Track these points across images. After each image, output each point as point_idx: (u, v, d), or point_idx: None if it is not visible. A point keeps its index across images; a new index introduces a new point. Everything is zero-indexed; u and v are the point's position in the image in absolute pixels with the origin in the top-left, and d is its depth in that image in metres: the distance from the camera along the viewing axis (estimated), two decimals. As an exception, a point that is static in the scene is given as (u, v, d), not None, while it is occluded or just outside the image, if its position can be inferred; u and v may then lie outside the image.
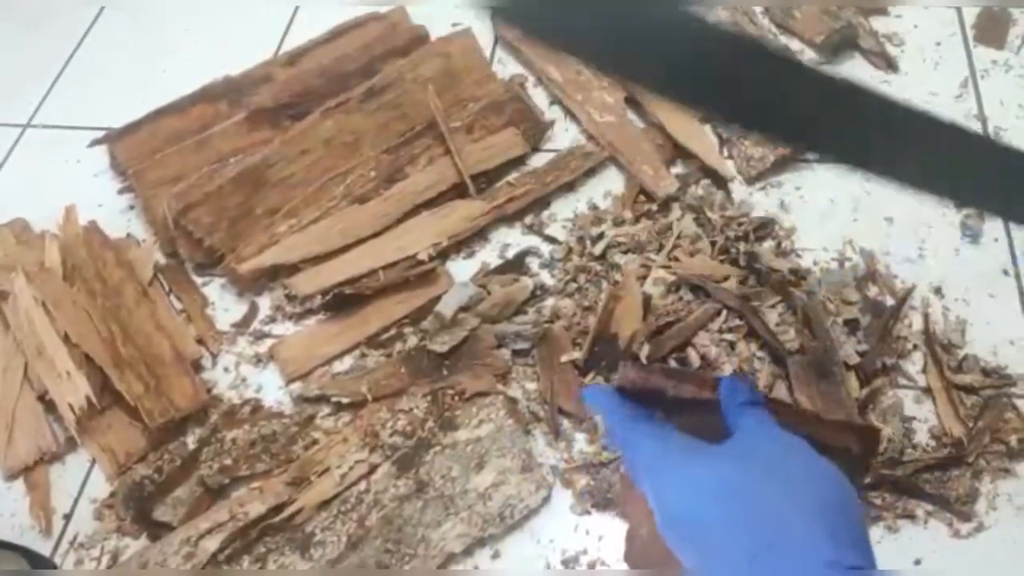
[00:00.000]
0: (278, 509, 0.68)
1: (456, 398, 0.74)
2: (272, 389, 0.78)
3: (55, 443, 0.74)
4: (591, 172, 0.89)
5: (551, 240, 0.85)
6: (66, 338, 0.77)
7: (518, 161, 0.91)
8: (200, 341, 0.80)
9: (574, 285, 0.80)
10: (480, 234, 0.86)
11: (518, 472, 0.69)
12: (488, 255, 0.85)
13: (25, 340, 0.78)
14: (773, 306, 0.75)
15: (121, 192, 0.92)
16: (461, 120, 0.90)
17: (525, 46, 0.98)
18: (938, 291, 0.78)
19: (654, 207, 0.84)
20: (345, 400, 0.74)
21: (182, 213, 0.83)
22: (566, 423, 0.73)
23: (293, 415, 0.75)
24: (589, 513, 0.68)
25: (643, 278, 0.77)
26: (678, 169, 0.88)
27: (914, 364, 0.74)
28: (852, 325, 0.74)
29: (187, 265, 0.86)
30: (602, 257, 0.81)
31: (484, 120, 0.91)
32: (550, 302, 0.80)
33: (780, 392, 0.71)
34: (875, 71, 0.97)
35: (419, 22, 1.02)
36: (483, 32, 1.00)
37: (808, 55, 0.98)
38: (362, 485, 0.70)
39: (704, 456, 0.41)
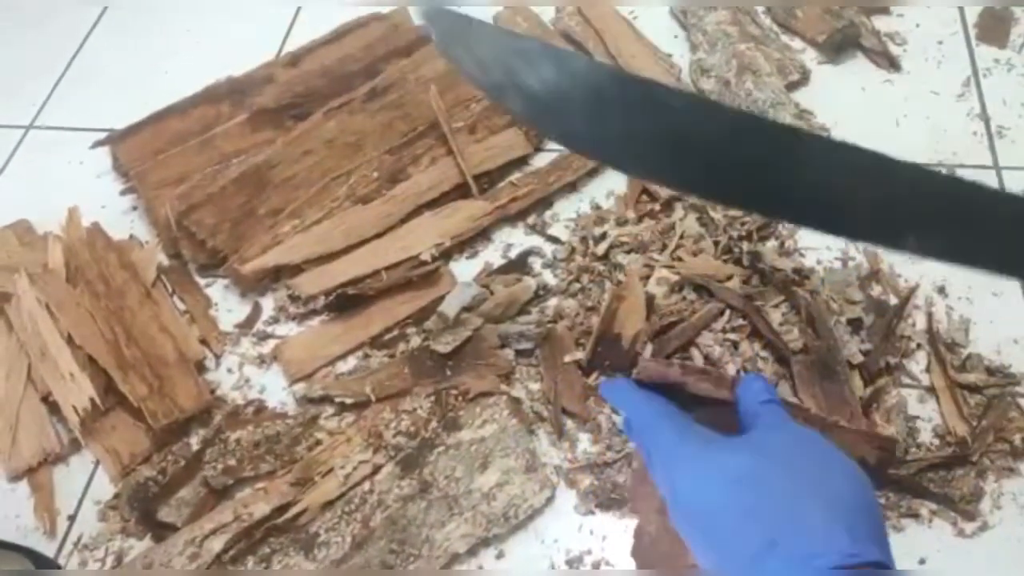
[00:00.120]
0: (282, 510, 0.68)
1: (460, 398, 0.74)
2: (276, 390, 0.78)
3: (59, 444, 0.74)
4: (594, 172, 0.89)
5: (554, 240, 0.85)
6: (69, 340, 0.77)
7: (521, 161, 0.91)
8: (203, 342, 0.80)
9: (577, 285, 0.80)
10: (483, 234, 0.86)
11: (522, 472, 0.69)
12: (491, 255, 0.85)
13: (28, 342, 0.78)
14: (776, 306, 0.75)
15: (124, 193, 0.92)
16: (463, 120, 0.90)
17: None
18: (941, 290, 0.78)
19: (657, 207, 0.84)
20: (349, 400, 0.74)
21: (185, 214, 0.83)
22: (570, 423, 0.73)
23: (297, 416, 0.75)
24: (593, 513, 0.68)
25: (646, 278, 0.77)
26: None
27: (918, 363, 0.74)
28: (856, 324, 0.74)
29: (190, 266, 0.86)
30: (605, 257, 0.81)
31: (486, 120, 0.91)
32: (553, 302, 0.80)
33: (784, 392, 0.71)
34: (877, 70, 0.97)
35: (421, 22, 1.02)
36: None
37: (810, 54, 0.98)
38: (366, 486, 0.70)
39: (721, 447, 0.41)
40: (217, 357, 0.80)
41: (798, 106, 0.91)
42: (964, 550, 0.65)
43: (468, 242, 0.85)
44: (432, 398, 0.73)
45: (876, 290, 0.78)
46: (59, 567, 0.69)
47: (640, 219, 0.83)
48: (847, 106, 0.93)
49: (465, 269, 0.84)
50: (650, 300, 0.74)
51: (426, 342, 0.77)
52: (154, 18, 1.13)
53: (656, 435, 0.43)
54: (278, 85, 0.96)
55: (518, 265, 0.83)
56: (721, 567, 0.37)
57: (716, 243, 0.80)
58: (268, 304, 0.83)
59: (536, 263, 0.83)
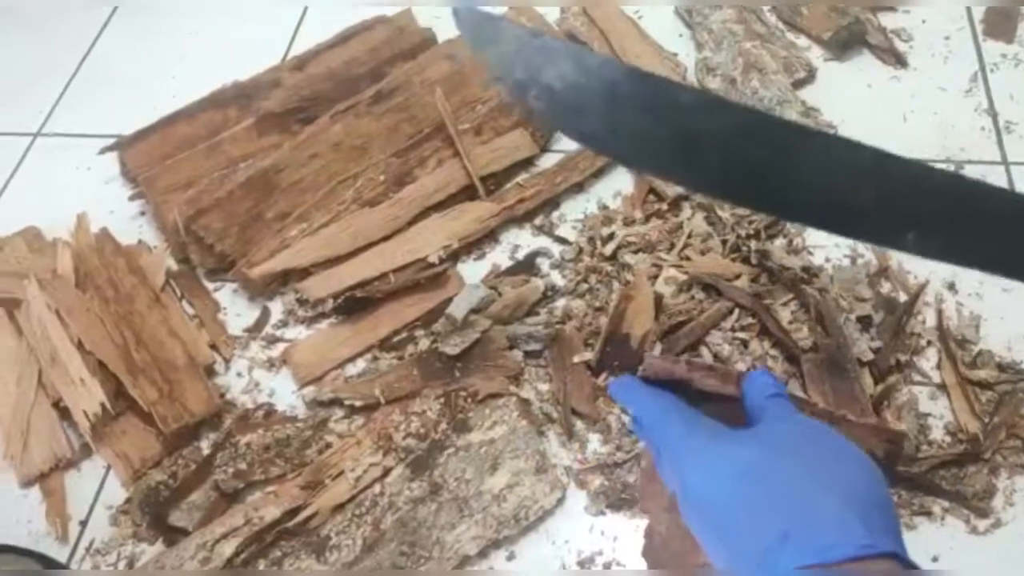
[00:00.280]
0: (293, 513, 0.68)
1: (469, 400, 0.74)
2: (285, 393, 0.78)
3: (70, 450, 0.75)
4: (600, 172, 0.89)
5: (561, 241, 0.85)
6: (80, 345, 0.77)
7: (527, 162, 0.91)
8: (213, 346, 0.81)
9: (585, 285, 0.80)
10: (490, 236, 0.86)
11: (532, 473, 0.69)
12: (498, 257, 0.85)
13: (39, 347, 0.78)
14: (785, 304, 0.75)
15: (132, 199, 0.92)
16: (470, 122, 0.90)
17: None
18: (951, 287, 0.78)
19: (664, 206, 0.84)
20: (358, 403, 0.74)
21: (193, 219, 0.84)
22: (579, 424, 0.72)
23: (306, 419, 0.75)
24: (604, 514, 0.68)
25: (654, 277, 0.77)
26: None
27: (928, 360, 0.74)
28: (865, 322, 0.74)
29: (199, 271, 0.86)
30: (613, 257, 0.81)
31: (493, 121, 0.91)
32: (561, 303, 0.80)
33: (794, 390, 0.71)
34: (884, 67, 0.96)
35: (426, 25, 1.02)
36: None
37: (816, 52, 0.98)
38: (376, 488, 0.70)
39: (730, 439, 0.40)
40: (226, 361, 0.80)
41: (804, 104, 0.91)
42: (977, 547, 0.64)
43: (475, 244, 0.85)
44: (441, 400, 0.73)
45: (885, 287, 0.78)
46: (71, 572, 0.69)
47: (647, 219, 0.83)
48: (854, 103, 0.92)
49: (473, 271, 0.84)
50: (658, 300, 0.74)
51: (435, 344, 0.77)
52: (160, 24, 1.13)
53: (664, 429, 0.42)
54: (284, 89, 0.96)
55: (526, 266, 0.83)
56: (733, 561, 0.37)
57: (724, 242, 0.79)
58: (277, 308, 0.83)
59: (544, 264, 0.83)
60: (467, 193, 0.88)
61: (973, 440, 0.68)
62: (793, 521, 0.35)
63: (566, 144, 0.92)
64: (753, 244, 0.78)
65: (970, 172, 0.86)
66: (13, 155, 1.00)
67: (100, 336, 0.77)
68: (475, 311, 0.77)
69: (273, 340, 0.81)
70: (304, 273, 0.83)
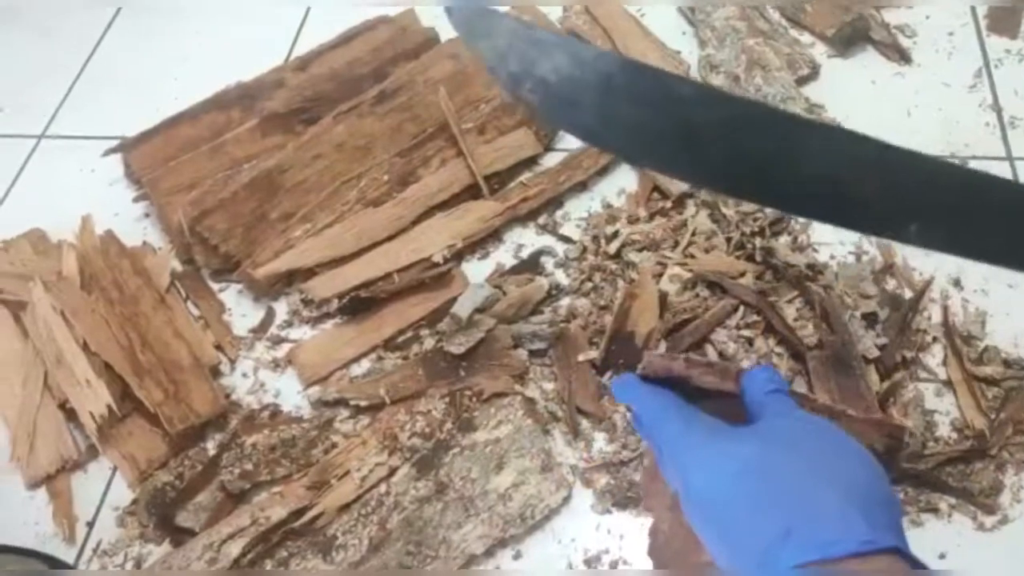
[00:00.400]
0: (299, 513, 0.68)
1: (474, 399, 0.74)
2: (290, 394, 0.78)
3: (76, 451, 0.75)
4: (604, 170, 0.89)
5: (565, 239, 0.85)
6: (85, 346, 0.77)
7: (531, 161, 0.91)
8: (218, 347, 0.81)
9: (589, 284, 0.80)
10: (494, 235, 0.86)
11: (538, 472, 0.69)
12: (503, 256, 0.85)
13: (44, 349, 0.78)
14: (790, 301, 0.75)
15: (136, 200, 0.92)
16: (473, 121, 0.90)
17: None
18: (957, 283, 0.78)
19: (668, 204, 0.84)
20: (363, 403, 0.74)
21: (197, 220, 0.84)
22: (585, 422, 0.72)
23: (312, 419, 0.75)
24: (610, 512, 0.68)
25: (659, 276, 0.77)
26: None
27: (934, 357, 0.74)
28: (871, 319, 0.74)
29: (203, 271, 0.86)
30: (617, 255, 0.81)
31: (496, 120, 0.91)
32: (566, 301, 0.80)
33: (799, 388, 0.70)
34: (887, 63, 0.96)
35: (429, 24, 1.02)
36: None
37: (820, 48, 0.98)
38: (382, 488, 0.70)
39: (730, 436, 0.40)
40: (232, 362, 0.80)
41: (808, 100, 0.91)
42: (984, 544, 0.64)
43: (479, 243, 0.85)
44: (446, 399, 0.73)
45: (891, 284, 0.78)
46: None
47: (652, 217, 0.83)
48: (858, 99, 0.92)
49: (477, 270, 0.84)
50: (663, 298, 0.74)
51: (439, 344, 0.77)
52: (163, 25, 1.13)
53: (663, 426, 0.42)
54: (288, 90, 0.96)
55: (530, 265, 0.83)
56: (735, 559, 0.37)
57: (728, 239, 0.79)
58: (281, 308, 0.83)
59: (548, 263, 0.83)
60: (471, 192, 0.88)
61: (979, 436, 0.68)
62: (794, 517, 0.35)
63: (569, 143, 0.92)
64: (758, 241, 0.78)
65: (975, 168, 0.86)
66: (18, 157, 1.00)
67: (105, 337, 0.78)
68: (479, 310, 0.77)
69: (278, 340, 0.81)
70: (309, 273, 0.83)
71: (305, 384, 0.78)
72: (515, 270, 0.82)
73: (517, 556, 0.67)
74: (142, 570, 0.69)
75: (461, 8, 0.34)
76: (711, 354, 0.72)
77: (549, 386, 0.75)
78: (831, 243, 0.81)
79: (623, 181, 0.88)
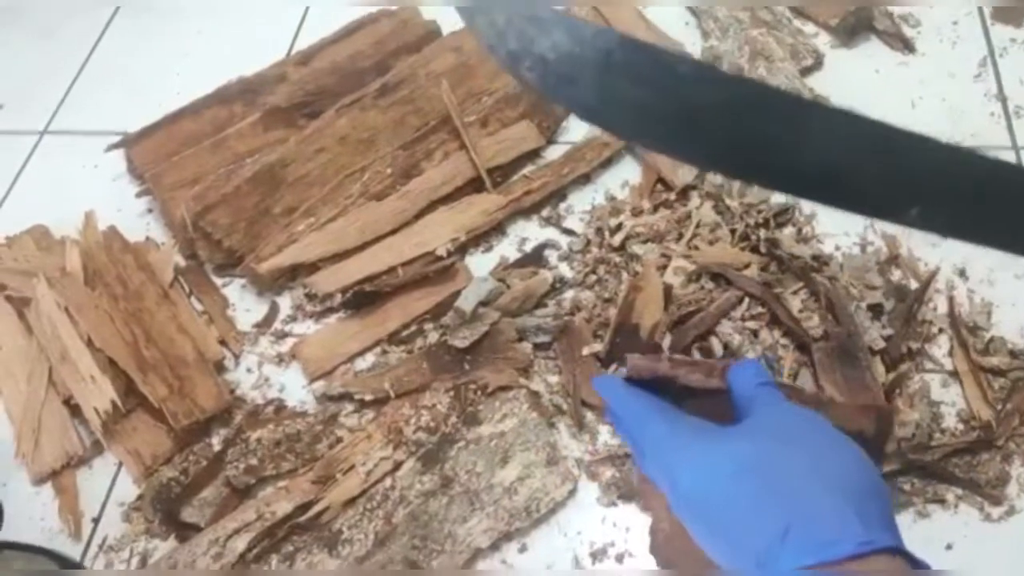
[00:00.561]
0: (305, 508, 0.68)
1: (478, 393, 0.74)
2: (295, 388, 0.78)
3: (81, 447, 0.75)
4: (607, 163, 0.89)
5: (569, 232, 0.84)
6: (89, 342, 0.77)
7: (534, 154, 0.91)
8: (222, 342, 0.81)
9: (594, 277, 0.80)
10: (498, 228, 0.85)
11: (543, 465, 0.68)
12: (506, 249, 0.84)
13: (49, 345, 0.78)
14: (795, 292, 0.75)
15: (139, 196, 0.92)
16: (476, 114, 0.90)
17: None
18: (962, 273, 0.78)
19: (672, 196, 0.84)
20: (368, 397, 0.74)
21: (200, 215, 0.83)
22: (590, 415, 0.72)
23: (317, 414, 0.75)
24: (616, 505, 0.68)
25: (663, 268, 0.77)
26: (695, 157, 0.87)
27: (940, 348, 0.74)
28: (876, 310, 0.73)
29: (207, 267, 0.86)
30: (621, 248, 0.80)
31: (499, 113, 0.91)
32: (570, 294, 0.79)
33: (805, 379, 0.70)
34: (892, 52, 0.96)
35: (430, 17, 1.02)
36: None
37: (824, 38, 0.97)
38: (387, 482, 0.70)
39: (721, 436, 0.40)
40: (236, 357, 0.80)
41: (812, 91, 0.90)
42: (991, 535, 0.64)
43: (483, 236, 0.85)
44: (451, 393, 0.73)
45: (896, 275, 0.78)
46: (85, 569, 0.69)
47: (655, 209, 0.83)
48: (862, 90, 0.92)
49: (481, 263, 0.83)
50: (667, 290, 0.74)
51: (443, 337, 0.77)
52: (164, 20, 1.13)
53: (645, 428, 0.42)
54: (289, 84, 0.96)
55: (534, 258, 0.83)
56: (732, 558, 0.36)
57: (733, 231, 0.79)
58: (285, 303, 0.83)
59: (552, 256, 0.83)
60: (474, 186, 0.87)
61: (986, 427, 0.67)
62: (792, 516, 0.34)
63: (573, 135, 0.92)
64: (762, 233, 0.78)
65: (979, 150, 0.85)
66: (20, 154, 1.00)
67: (109, 333, 0.78)
68: (484, 304, 0.76)
69: (282, 335, 0.81)
70: (312, 268, 0.83)
71: (309, 379, 0.78)
72: (519, 263, 0.82)
73: (523, 549, 0.67)
74: (148, 567, 0.69)
75: None
76: (716, 346, 0.72)
77: (554, 379, 0.75)
78: (836, 234, 0.81)
79: (627, 173, 0.88)
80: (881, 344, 0.71)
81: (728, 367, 0.45)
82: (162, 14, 1.14)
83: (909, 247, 0.79)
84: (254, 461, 0.72)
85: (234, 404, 0.76)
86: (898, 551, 0.34)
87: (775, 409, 0.42)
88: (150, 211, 0.92)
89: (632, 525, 0.67)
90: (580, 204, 0.87)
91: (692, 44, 0.98)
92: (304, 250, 0.83)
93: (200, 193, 0.85)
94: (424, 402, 0.73)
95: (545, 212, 0.86)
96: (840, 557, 0.33)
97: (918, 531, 0.64)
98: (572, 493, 0.68)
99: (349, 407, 0.75)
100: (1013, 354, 0.72)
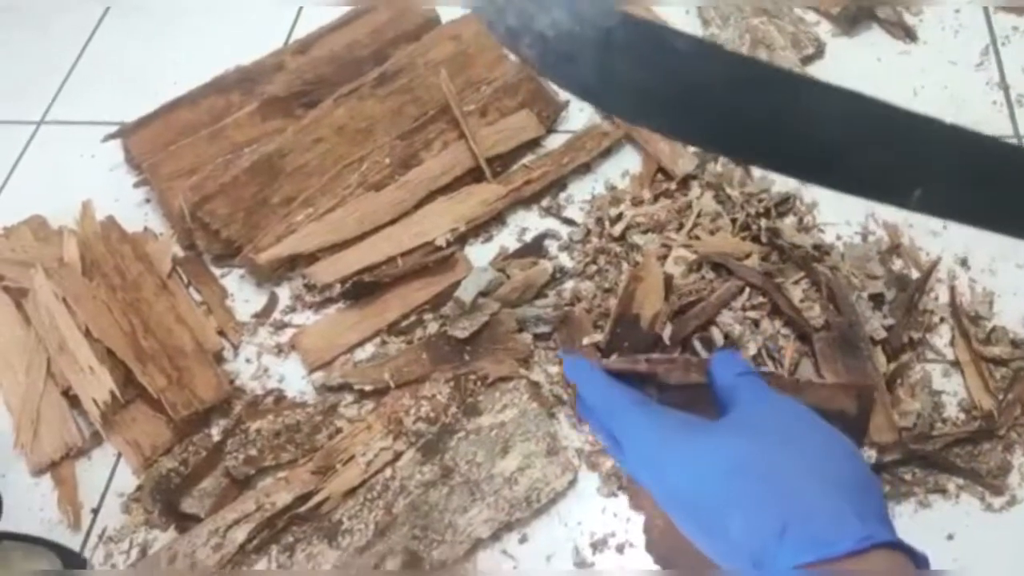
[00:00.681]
0: (305, 498, 0.68)
1: (479, 383, 0.73)
2: (294, 379, 0.77)
3: (80, 438, 0.75)
4: (608, 152, 0.88)
5: (569, 222, 0.84)
6: (87, 333, 0.77)
7: (533, 143, 0.90)
8: (221, 333, 0.80)
9: (594, 267, 0.79)
10: (497, 218, 0.85)
11: (543, 456, 0.68)
12: (506, 239, 0.84)
13: (47, 336, 0.78)
14: (796, 282, 0.74)
15: (137, 186, 0.91)
16: (475, 103, 0.90)
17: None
18: (964, 263, 0.77)
19: (672, 186, 0.83)
20: (368, 388, 0.74)
21: (198, 205, 0.83)
22: (590, 406, 0.72)
23: (316, 404, 0.75)
24: (616, 495, 0.68)
25: (663, 258, 0.77)
26: (696, 146, 0.87)
27: (942, 337, 0.73)
28: (877, 299, 0.73)
29: (205, 257, 0.86)
30: (621, 238, 0.80)
31: (498, 102, 0.90)
32: (570, 284, 0.79)
33: (806, 369, 0.70)
34: (893, 41, 0.95)
35: (428, 5, 1.01)
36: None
37: (825, 27, 0.97)
38: (387, 472, 0.70)
39: (705, 431, 0.39)
40: (235, 347, 0.80)
41: (814, 80, 0.90)
42: (992, 525, 0.64)
43: (483, 226, 0.84)
44: (451, 383, 0.73)
45: (897, 264, 0.77)
46: (85, 560, 0.69)
47: (656, 198, 0.83)
48: (863, 78, 0.91)
49: (480, 254, 0.83)
50: (668, 280, 0.74)
51: (443, 328, 0.77)
52: (161, 10, 1.12)
53: (621, 417, 0.40)
54: (287, 73, 0.95)
55: (534, 248, 0.82)
56: (728, 557, 0.36)
57: (734, 220, 0.79)
58: (284, 293, 0.83)
59: (552, 246, 0.83)
60: (473, 175, 0.87)
61: (987, 417, 0.67)
62: (788, 514, 0.34)
63: (573, 124, 0.92)
64: (763, 222, 0.77)
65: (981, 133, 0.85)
66: (16, 144, 1.00)
67: (108, 324, 0.77)
68: (483, 294, 0.76)
69: (281, 326, 0.81)
70: (311, 258, 0.83)
71: (309, 369, 0.77)
72: (519, 253, 0.82)
73: (523, 540, 0.67)
74: (147, 559, 0.68)
75: None
76: (716, 336, 0.72)
77: (554, 369, 0.74)
78: (837, 223, 0.80)
79: (627, 163, 0.88)
80: (882, 334, 0.71)
81: (707, 360, 0.44)
82: (160, 3, 1.13)
83: (911, 236, 0.79)
84: (254, 452, 0.71)
85: (233, 395, 0.76)
86: (896, 545, 0.33)
87: (760, 401, 0.41)
88: (148, 201, 0.91)
89: (633, 515, 0.67)
90: (580, 194, 0.86)
91: (693, 32, 0.97)
92: (303, 240, 0.83)
93: (198, 183, 0.85)
94: (424, 392, 0.73)
95: (545, 202, 0.86)
96: (839, 554, 0.32)
97: (919, 521, 0.64)
98: (572, 483, 0.68)
99: (349, 397, 0.75)
100: (1015, 343, 0.72)
